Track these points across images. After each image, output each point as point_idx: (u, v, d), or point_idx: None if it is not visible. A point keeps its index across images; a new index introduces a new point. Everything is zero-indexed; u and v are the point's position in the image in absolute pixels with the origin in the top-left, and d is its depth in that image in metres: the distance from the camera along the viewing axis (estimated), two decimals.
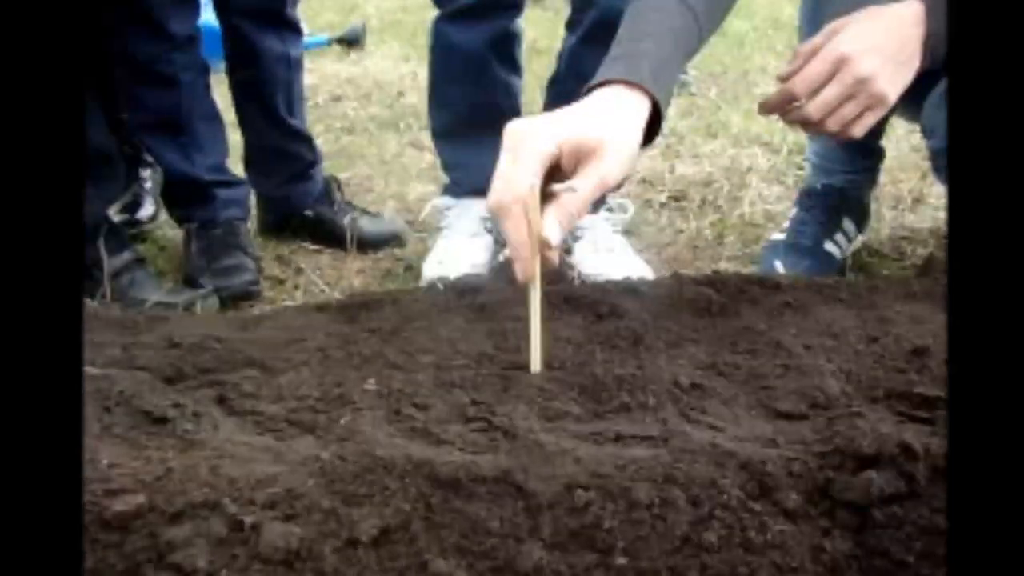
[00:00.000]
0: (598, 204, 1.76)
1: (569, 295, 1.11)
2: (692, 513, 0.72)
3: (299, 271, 1.75)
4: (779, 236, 1.84)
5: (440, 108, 1.75)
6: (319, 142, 2.03)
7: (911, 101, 1.25)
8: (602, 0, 1.52)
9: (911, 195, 2.11)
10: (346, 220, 1.84)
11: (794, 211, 1.85)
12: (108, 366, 0.90)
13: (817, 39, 1.13)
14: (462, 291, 1.15)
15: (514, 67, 1.68)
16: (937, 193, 2.07)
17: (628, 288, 1.14)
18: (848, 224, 1.80)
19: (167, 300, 1.39)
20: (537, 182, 0.84)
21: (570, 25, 1.65)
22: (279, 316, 1.06)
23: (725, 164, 2.42)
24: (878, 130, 1.37)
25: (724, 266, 1.81)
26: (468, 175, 1.73)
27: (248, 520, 0.66)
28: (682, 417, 0.84)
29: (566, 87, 1.62)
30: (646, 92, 0.96)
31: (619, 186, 1.54)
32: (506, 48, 1.65)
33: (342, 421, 0.81)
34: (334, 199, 1.92)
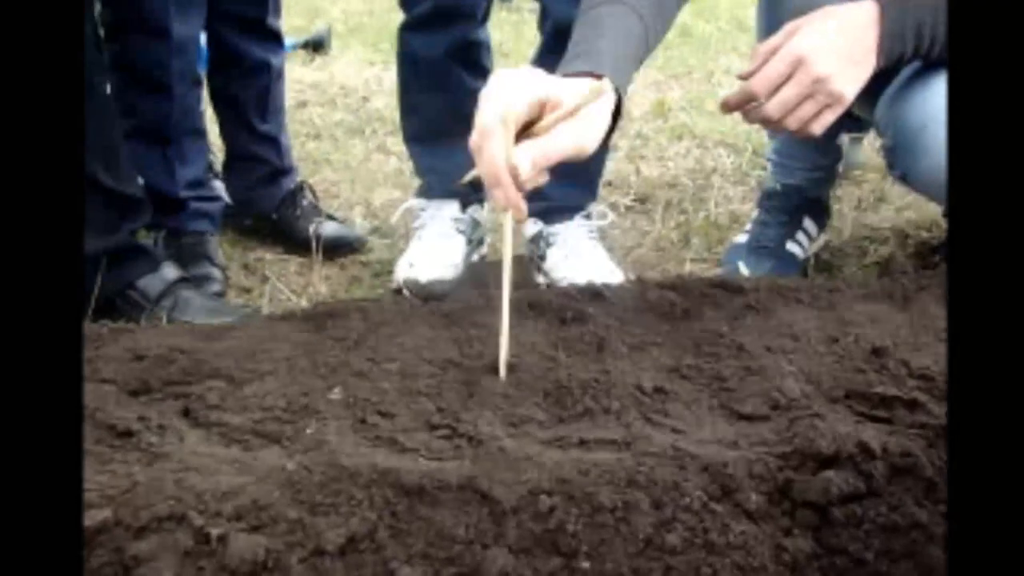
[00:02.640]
0: (575, 211, 1.77)
1: (534, 300, 1.12)
2: (655, 516, 0.73)
3: (265, 279, 1.75)
4: (742, 238, 1.86)
5: (410, 115, 1.76)
6: None
7: (867, 99, 1.27)
8: (555, 11, 1.53)
9: (873, 194, 2.14)
10: (311, 227, 1.84)
11: (755, 212, 1.87)
12: None
13: (776, 39, 1.15)
14: (427, 298, 1.15)
15: (482, 73, 1.68)
16: (898, 192, 2.10)
17: (592, 293, 1.15)
18: (809, 224, 1.82)
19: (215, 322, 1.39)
20: (515, 111, 0.85)
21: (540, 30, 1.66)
22: (244, 327, 1.06)
23: (690, 166, 2.44)
24: (836, 128, 1.41)
25: (689, 268, 1.83)
26: (441, 179, 1.74)
27: (214, 532, 0.66)
28: (645, 421, 0.85)
29: None
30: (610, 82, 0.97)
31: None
32: (470, 56, 1.65)
33: (308, 431, 0.81)
34: (299, 204, 1.92)
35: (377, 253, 1.89)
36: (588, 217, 1.83)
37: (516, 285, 1.57)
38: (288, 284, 1.73)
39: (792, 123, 1.13)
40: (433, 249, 1.74)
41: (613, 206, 2.15)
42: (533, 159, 0.86)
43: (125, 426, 0.79)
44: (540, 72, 0.92)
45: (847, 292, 1.18)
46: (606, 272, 1.68)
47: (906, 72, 1.30)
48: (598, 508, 0.72)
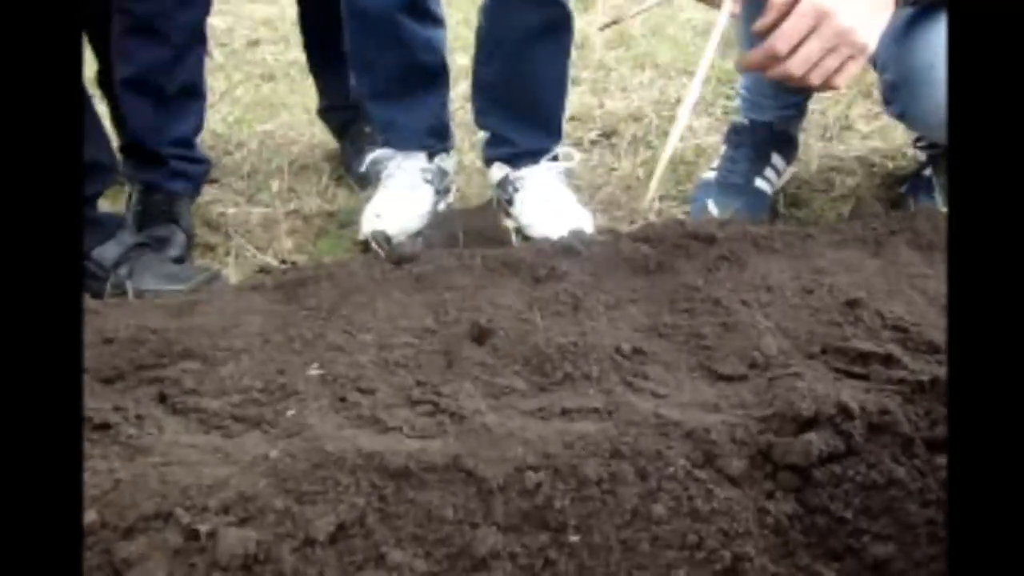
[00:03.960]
0: (540, 154, 1.75)
1: (506, 259, 1.11)
2: (640, 486, 0.73)
3: (228, 236, 1.71)
4: (710, 174, 1.85)
5: (365, 72, 1.71)
6: (238, 92, 1.98)
7: None
8: None
9: (838, 123, 2.13)
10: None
11: (724, 148, 1.86)
12: None
13: None
14: (398, 260, 1.14)
15: (433, 20, 1.64)
16: (863, 119, 2.09)
17: (565, 247, 1.14)
18: (777, 159, 1.82)
19: (172, 289, 1.36)
20: None
21: None
22: (214, 300, 1.04)
23: (654, 97, 2.41)
24: None
25: (657, 206, 1.82)
26: (403, 134, 1.71)
27: (203, 528, 0.66)
28: (626, 386, 0.85)
29: (486, 70, 1.64)
30: None
31: None
32: (419, 4, 1.61)
33: (288, 414, 0.80)
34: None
35: (342, 201, 1.86)
36: (554, 159, 1.81)
37: (483, 233, 1.56)
38: (252, 240, 1.69)
39: (816, 78, 1.10)
40: (400, 199, 1.72)
41: (578, 142, 2.12)
42: None
43: (102, 418, 0.78)
44: None
45: (819, 238, 1.18)
46: (574, 216, 1.67)
47: (907, 12, 1.28)
48: (584, 482, 0.73)
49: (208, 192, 1.88)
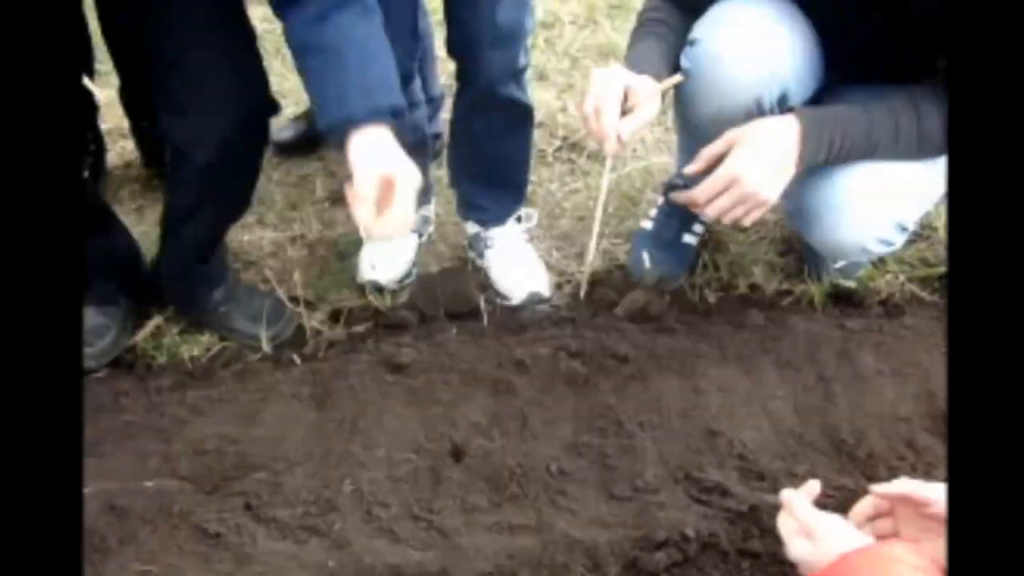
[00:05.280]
0: (508, 215, 2.09)
1: (477, 372, 1.55)
2: None
3: (249, 264, 2.03)
4: (648, 224, 2.21)
5: None
6: None
7: None
8: (482, 81, 1.77)
9: None
10: None
11: (660, 201, 2.20)
12: (156, 477, 1.32)
13: (716, 146, 1.45)
14: (395, 368, 1.57)
15: (413, 104, 1.81)
16: None
17: (519, 363, 1.58)
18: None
19: (254, 333, 1.71)
20: (617, 94, 1.40)
21: (458, 96, 1.91)
22: (267, 407, 1.48)
23: None
24: None
25: (604, 245, 2.13)
26: None
27: None
28: (551, 505, 1.32)
29: (461, 151, 1.97)
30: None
31: None
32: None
33: (336, 527, 1.26)
34: None
35: (340, 227, 2.14)
36: (519, 220, 2.20)
37: (456, 296, 1.94)
38: (261, 270, 2.00)
39: (726, 221, 1.47)
40: (390, 249, 2.11)
41: (542, 155, 2.40)
42: (629, 128, 1.42)
43: (214, 529, 1.23)
44: (624, 70, 1.43)
45: (708, 356, 1.62)
46: (535, 277, 2.08)
47: None
48: None
49: None
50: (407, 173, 1.25)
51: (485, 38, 1.70)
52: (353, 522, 1.28)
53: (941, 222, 2.02)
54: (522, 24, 1.73)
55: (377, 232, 1.24)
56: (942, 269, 1.94)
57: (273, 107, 1.55)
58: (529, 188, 2.15)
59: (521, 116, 1.92)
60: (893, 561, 0.96)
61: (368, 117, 1.25)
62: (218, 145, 1.47)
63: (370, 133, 1.25)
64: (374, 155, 1.24)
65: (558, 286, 2.00)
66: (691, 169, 1.50)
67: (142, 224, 2.10)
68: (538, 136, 2.40)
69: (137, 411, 1.48)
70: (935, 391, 1.55)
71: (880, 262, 1.94)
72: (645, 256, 2.11)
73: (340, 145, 1.26)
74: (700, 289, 1.92)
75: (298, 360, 1.66)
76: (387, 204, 1.23)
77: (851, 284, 1.89)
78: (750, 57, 1.49)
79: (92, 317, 1.66)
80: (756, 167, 1.39)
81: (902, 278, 1.91)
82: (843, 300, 1.84)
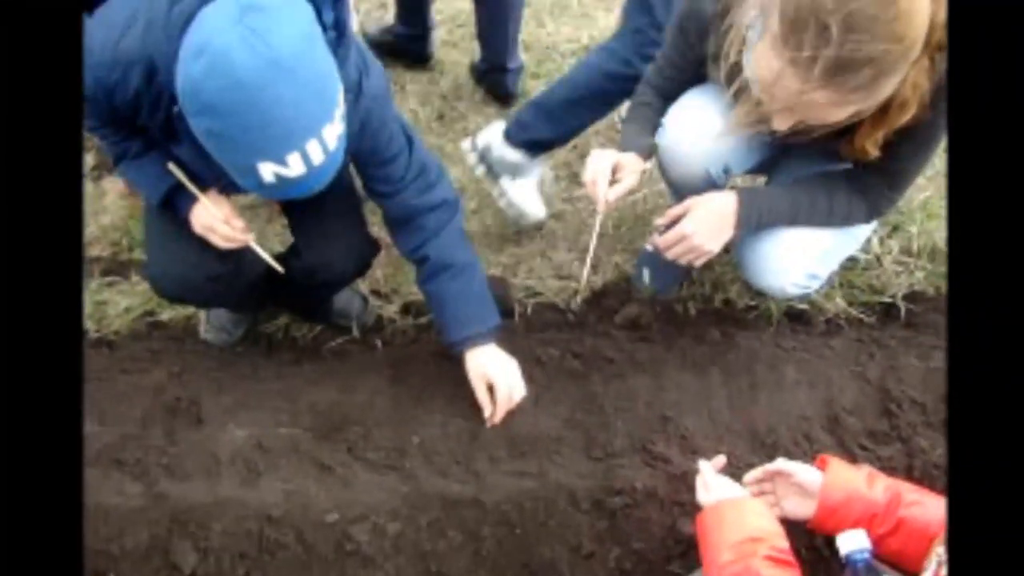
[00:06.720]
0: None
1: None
2: (544, 516, 1.85)
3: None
4: (650, 246, 2.79)
5: None
6: None
7: None
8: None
9: None
10: None
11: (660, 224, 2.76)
12: (288, 427, 1.99)
13: (679, 208, 1.89)
14: (450, 355, 2.22)
15: None
16: None
17: (537, 358, 2.22)
18: None
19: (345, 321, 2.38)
20: (612, 164, 1.92)
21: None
22: (360, 380, 2.14)
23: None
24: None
25: (616, 260, 2.71)
26: None
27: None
28: (549, 460, 1.96)
29: None
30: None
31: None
32: None
33: (406, 466, 1.92)
34: None
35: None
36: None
37: (499, 302, 2.58)
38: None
39: (682, 262, 1.94)
40: None
41: (574, 176, 2.88)
42: (615, 194, 1.93)
43: (327, 463, 1.90)
44: (613, 151, 1.94)
45: (672, 362, 2.24)
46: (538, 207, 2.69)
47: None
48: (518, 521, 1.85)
49: None
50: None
51: None
52: (417, 463, 1.94)
53: (889, 257, 2.53)
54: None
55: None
56: (884, 297, 2.42)
57: (377, 249, 2.19)
58: (560, 207, 2.75)
59: None
60: (745, 505, 1.61)
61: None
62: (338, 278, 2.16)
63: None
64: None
65: (575, 292, 2.59)
66: (660, 223, 2.06)
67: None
68: (553, 162, 2.91)
69: (269, 379, 2.16)
70: (834, 398, 2.14)
71: (833, 287, 2.39)
72: (645, 273, 2.51)
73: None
74: (685, 302, 2.49)
75: (380, 344, 2.32)
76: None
77: (804, 306, 2.39)
78: (698, 140, 1.92)
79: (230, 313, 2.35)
80: (702, 228, 1.87)
81: (843, 303, 2.38)
82: (795, 318, 2.41)
